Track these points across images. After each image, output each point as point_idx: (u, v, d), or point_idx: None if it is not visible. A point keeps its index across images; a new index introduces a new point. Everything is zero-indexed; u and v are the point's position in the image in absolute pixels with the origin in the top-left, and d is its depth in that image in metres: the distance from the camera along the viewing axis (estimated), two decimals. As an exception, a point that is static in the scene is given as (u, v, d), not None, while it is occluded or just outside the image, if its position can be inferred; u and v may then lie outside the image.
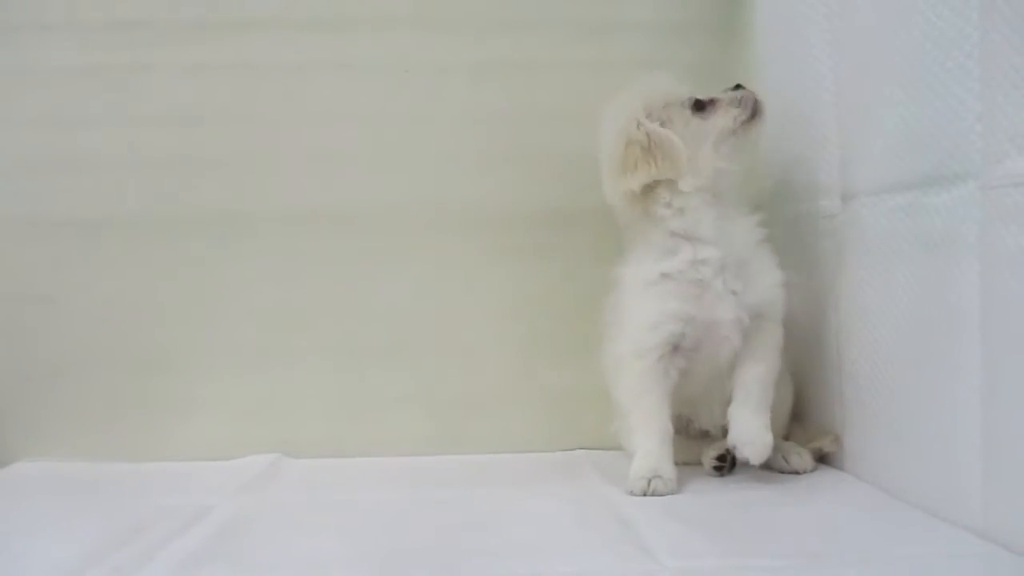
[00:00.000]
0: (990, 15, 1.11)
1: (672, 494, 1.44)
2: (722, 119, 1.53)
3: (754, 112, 1.54)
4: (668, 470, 1.46)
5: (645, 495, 1.43)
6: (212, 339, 1.84)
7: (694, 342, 1.50)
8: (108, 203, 1.83)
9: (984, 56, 1.14)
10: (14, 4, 1.84)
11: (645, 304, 1.50)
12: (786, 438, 1.63)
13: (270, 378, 1.84)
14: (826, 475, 1.57)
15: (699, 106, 1.54)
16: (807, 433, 1.65)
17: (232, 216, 1.84)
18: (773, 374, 1.52)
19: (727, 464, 1.57)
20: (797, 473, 1.56)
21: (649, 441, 1.48)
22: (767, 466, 1.55)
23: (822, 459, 1.62)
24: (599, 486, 1.54)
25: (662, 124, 1.51)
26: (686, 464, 1.59)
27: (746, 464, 1.51)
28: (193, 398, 1.84)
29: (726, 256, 1.49)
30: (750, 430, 1.47)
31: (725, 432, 1.51)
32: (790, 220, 1.73)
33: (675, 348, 1.50)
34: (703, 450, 1.60)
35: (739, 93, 1.55)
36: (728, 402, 1.53)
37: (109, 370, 1.83)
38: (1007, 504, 1.14)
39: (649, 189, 1.51)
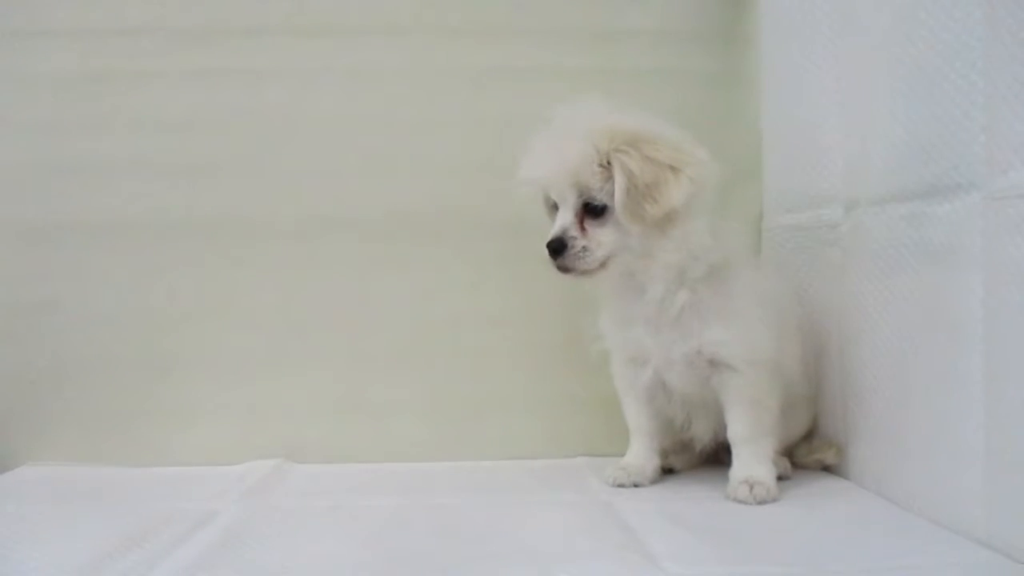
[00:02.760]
0: (994, 27, 1.12)
1: (637, 486, 1.56)
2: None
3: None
4: (636, 464, 1.59)
5: (610, 485, 1.57)
6: (215, 344, 1.84)
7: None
8: (112, 208, 1.83)
9: (988, 68, 1.14)
10: (18, 10, 1.84)
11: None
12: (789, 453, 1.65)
13: (273, 383, 1.84)
14: (829, 483, 1.57)
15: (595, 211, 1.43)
16: (810, 445, 1.66)
17: (236, 222, 1.84)
18: (757, 426, 1.48)
19: None
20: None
21: (632, 436, 1.62)
22: None
23: (825, 468, 1.63)
24: (601, 493, 1.54)
25: None
26: (684, 470, 1.68)
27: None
28: (196, 403, 1.84)
29: (669, 306, 1.46)
30: (739, 494, 1.45)
31: (716, 446, 1.62)
32: (793, 229, 1.73)
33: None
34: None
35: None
36: (709, 423, 1.59)
37: (112, 375, 1.83)
38: (1009, 513, 1.14)
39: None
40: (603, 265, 1.42)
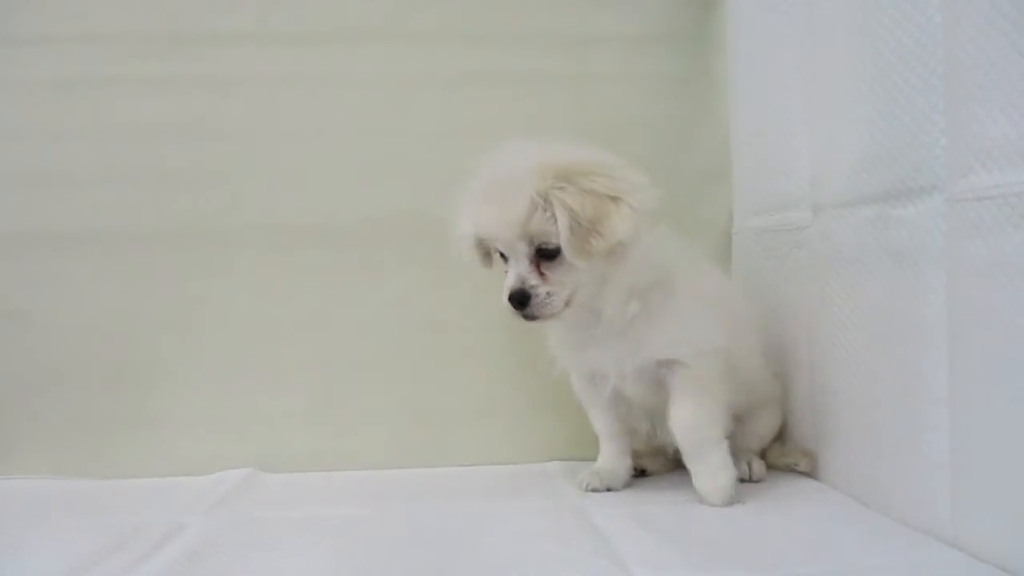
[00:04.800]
0: (954, 32, 1.13)
1: (610, 490, 1.58)
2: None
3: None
4: (608, 467, 1.61)
5: (583, 490, 1.58)
6: (187, 354, 1.83)
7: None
8: (83, 218, 1.82)
9: (949, 72, 1.16)
10: (-17, 20, 1.82)
11: None
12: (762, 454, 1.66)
13: (245, 392, 1.83)
14: (799, 485, 1.58)
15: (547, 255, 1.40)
16: (783, 448, 1.67)
17: (208, 231, 1.83)
18: (705, 411, 1.47)
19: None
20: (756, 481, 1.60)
21: (601, 442, 1.64)
22: None
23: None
24: (573, 498, 1.54)
25: None
26: (657, 473, 1.70)
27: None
28: (168, 413, 1.82)
29: (620, 323, 1.45)
30: (702, 484, 1.47)
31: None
32: (762, 231, 1.75)
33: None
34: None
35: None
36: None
37: (83, 386, 1.81)
38: (975, 512, 1.15)
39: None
40: (567, 305, 1.40)
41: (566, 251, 1.34)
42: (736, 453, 1.52)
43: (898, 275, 1.28)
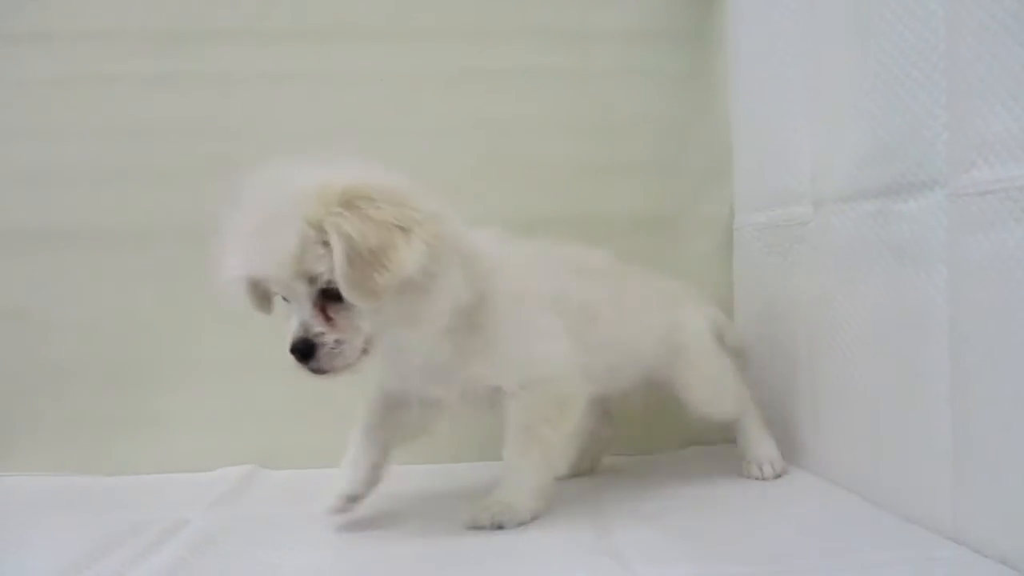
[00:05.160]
0: (956, 26, 1.13)
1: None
2: None
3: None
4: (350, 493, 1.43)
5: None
6: (186, 351, 1.83)
7: None
8: (79, 215, 1.82)
9: (950, 67, 1.15)
10: (-21, 17, 1.82)
11: None
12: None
13: (246, 389, 1.82)
14: (799, 479, 1.58)
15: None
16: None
17: (205, 228, 1.82)
18: (527, 463, 1.36)
19: None
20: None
21: (348, 461, 1.46)
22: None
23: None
24: (574, 492, 1.53)
25: None
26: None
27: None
28: (169, 410, 1.82)
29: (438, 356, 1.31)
30: (480, 520, 1.34)
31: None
32: (763, 227, 1.74)
33: None
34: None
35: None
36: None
37: (84, 383, 1.81)
38: (977, 508, 1.15)
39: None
40: (365, 351, 1.22)
41: (343, 288, 1.14)
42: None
43: (899, 270, 1.28)
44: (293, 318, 1.20)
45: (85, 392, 1.81)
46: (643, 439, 1.84)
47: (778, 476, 1.59)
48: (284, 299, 1.22)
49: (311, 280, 1.16)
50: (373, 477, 1.41)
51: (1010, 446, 1.08)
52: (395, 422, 1.45)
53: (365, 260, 1.13)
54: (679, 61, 1.93)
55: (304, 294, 1.18)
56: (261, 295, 1.26)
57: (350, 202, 1.15)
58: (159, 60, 1.83)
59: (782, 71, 1.63)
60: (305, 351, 1.18)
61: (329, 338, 1.19)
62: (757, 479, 1.59)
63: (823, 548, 1.20)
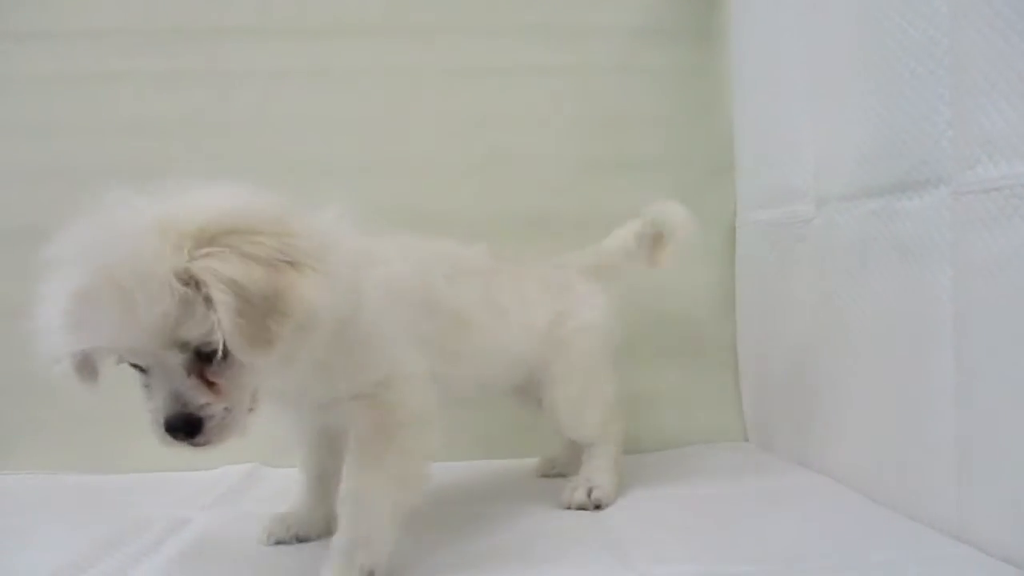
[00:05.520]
0: (960, 23, 1.13)
1: (300, 540, 1.30)
2: None
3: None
4: (297, 513, 1.35)
5: (265, 543, 1.30)
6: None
7: None
8: (81, 213, 1.81)
9: (954, 63, 1.15)
10: (-19, 14, 1.82)
11: None
12: None
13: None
14: (804, 478, 1.57)
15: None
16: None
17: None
18: (381, 465, 1.14)
19: None
20: None
21: (300, 481, 1.39)
22: None
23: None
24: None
25: None
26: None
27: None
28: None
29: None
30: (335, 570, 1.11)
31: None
32: (766, 225, 1.74)
33: None
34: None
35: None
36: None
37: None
38: (981, 506, 1.15)
39: None
40: (251, 409, 1.03)
41: (235, 346, 0.92)
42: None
43: (903, 268, 1.28)
44: (156, 391, 0.97)
45: (85, 391, 1.80)
46: (647, 437, 1.84)
47: (595, 506, 1.42)
48: (136, 367, 0.99)
49: (183, 346, 0.94)
50: (320, 510, 1.31)
51: (1015, 444, 1.08)
52: (319, 449, 1.34)
53: (259, 310, 0.91)
54: (681, 58, 1.93)
55: (175, 363, 0.95)
56: (91, 368, 1.02)
57: (214, 239, 0.93)
58: (161, 58, 1.83)
59: (785, 68, 1.62)
60: (189, 428, 0.97)
61: (216, 408, 0.97)
62: (566, 506, 1.44)
63: (827, 547, 1.20)
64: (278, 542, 1.29)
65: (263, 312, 0.92)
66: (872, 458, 1.40)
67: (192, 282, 0.91)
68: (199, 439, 0.98)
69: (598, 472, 1.49)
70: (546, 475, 1.67)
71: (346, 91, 1.87)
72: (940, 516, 1.22)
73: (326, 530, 1.26)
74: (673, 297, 1.90)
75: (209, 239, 0.93)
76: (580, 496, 1.44)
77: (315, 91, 1.86)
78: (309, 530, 1.31)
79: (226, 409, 0.98)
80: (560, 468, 1.67)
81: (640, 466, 1.68)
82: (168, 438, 0.98)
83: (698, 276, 1.91)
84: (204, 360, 0.96)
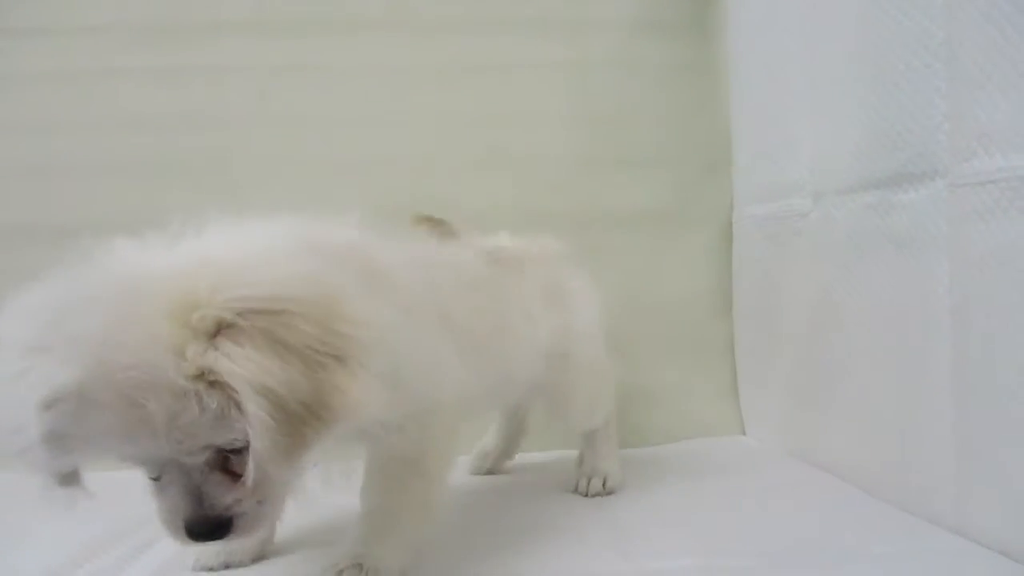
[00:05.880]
0: (955, 15, 1.12)
1: (229, 567, 1.17)
2: None
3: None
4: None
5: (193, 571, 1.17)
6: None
7: None
8: (79, 209, 1.81)
9: (950, 56, 1.15)
10: (-23, 10, 1.82)
11: None
12: None
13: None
14: (802, 472, 1.57)
15: None
16: None
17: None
18: (407, 493, 1.08)
19: None
20: None
21: None
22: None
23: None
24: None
25: None
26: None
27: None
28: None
29: None
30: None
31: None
32: (763, 219, 1.74)
33: None
34: None
35: None
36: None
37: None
38: (979, 500, 1.15)
39: None
40: (288, 494, 0.91)
41: (267, 463, 0.77)
42: None
43: (900, 261, 1.28)
44: (170, 492, 0.84)
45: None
46: (645, 431, 1.84)
47: (608, 494, 1.46)
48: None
49: (201, 450, 0.80)
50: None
51: (1012, 437, 1.07)
52: None
53: (295, 418, 0.76)
54: (679, 53, 1.93)
55: (196, 464, 0.82)
56: (76, 476, 0.89)
57: (240, 318, 0.76)
58: (158, 54, 1.84)
59: (782, 63, 1.62)
60: (217, 532, 0.84)
61: (248, 504, 0.84)
62: (582, 495, 1.47)
63: (825, 541, 1.20)
64: (207, 570, 1.16)
65: (301, 420, 0.77)
66: (870, 452, 1.40)
67: (211, 384, 0.75)
68: (233, 536, 0.85)
69: (606, 460, 1.52)
70: (477, 472, 1.65)
71: (344, 87, 1.87)
72: (938, 510, 1.22)
73: (261, 554, 1.19)
74: (671, 291, 1.90)
75: (233, 319, 0.76)
76: (597, 485, 1.47)
77: (313, 87, 1.86)
78: (242, 556, 1.18)
79: (259, 503, 0.85)
80: (491, 465, 1.67)
81: (639, 460, 1.68)
82: (190, 541, 0.85)
83: (696, 270, 1.91)
84: (227, 451, 0.82)
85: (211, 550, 1.16)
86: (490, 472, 1.66)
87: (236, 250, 0.83)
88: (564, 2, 1.91)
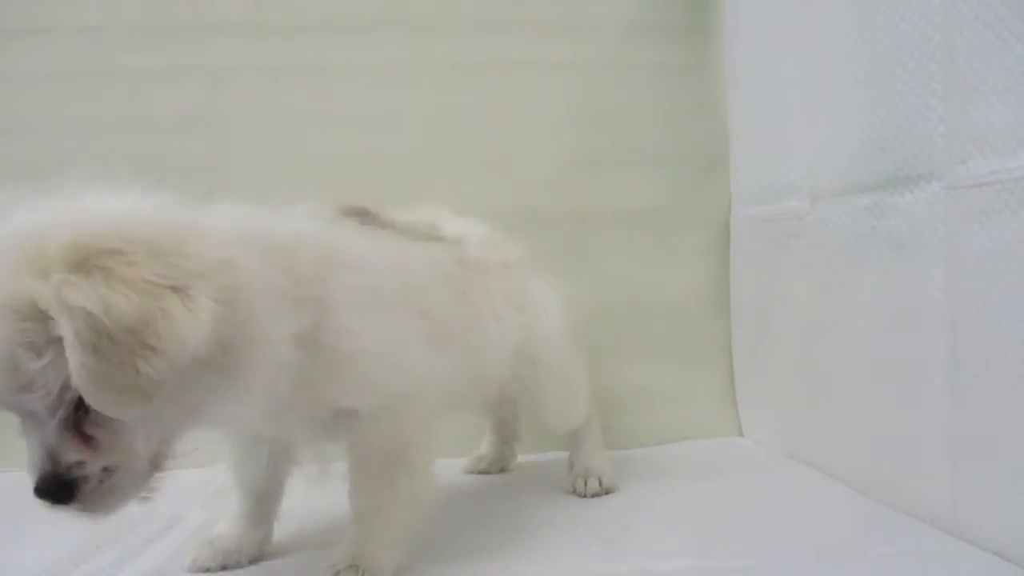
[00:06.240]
0: (952, 18, 1.13)
1: (226, 568, 1.17)
2: None
3: None
4: (228, 536, 1.21)
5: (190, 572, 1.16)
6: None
7: None
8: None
9: (946, 58, 1.15)
10: (-25, 10, 1.82)
11: None
12: None
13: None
14: (798, 473, 1.57)
15: None
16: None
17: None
18: (394, 486, 1.08)
19: None
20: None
21: (235, 500, 1.27)
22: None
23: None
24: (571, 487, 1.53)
25: None
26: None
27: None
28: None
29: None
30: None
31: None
32: (760, 220, 1.74)
33: None
34: None
35: None
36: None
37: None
38: (975, 501, 1.15)
39: None
40: (156, 467, 0.88)
41: (87, 396, 0.77)
42: None
43: (897, 263, 1.28)
44: (31, 445, 0.83)
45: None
46: (642, 432, 1.84)
47: (606, 492, 1.47)
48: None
49: (48, 391, 0.78)
50: (254, 535, 1.21)
51: (1008, 439, 1.08)
52: (260, 464, 1.21)
53: (118, 345, 0.75)
54: (676, 54, 1.93)
55: (43, 410, 0.80)
56: None
57: (85, 261, 0.77)
58: (156, 54, 1.83)
59: (779, 64, 1.62)
60: (59, 492, 0.82)
61: (93, 467, 0.82)
62: (580, 495, 1.47)
63: (821, 542, 1.20)
64: (204, 571, 1.15)
65: (126, 350, 0.75)
66: (867, 453, 1.40)
67: (43, 315, 0.75)
68: (76, 506, 0.82)
69: (596, 459, 1.52)
70: (472, 472, 1.68)
71: (342, 87, 1.87)
72: (934, 511, 1.22)
73: (258, 555, 1.20)
74: (668, 292, 1.91)
75: (76, 262, 0.77)
76: (594, 485, 1.47)
77: (310, 87, 1.86)
78: (239, 557, 1.18)
79: (106, 469, 0.82)
80: (486, 466, 1.69)
81: (635, 461, 1.69)
82: (40, 502, 0.82)
83: (693, 272, 1.92)
84: (83, 408, 0.80)
85: (210, 550, 1.17)
86: (485, 471, 1.69)
87: (104, 202, 0.87)
88: (562, 3, 1.91)
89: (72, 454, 0.81)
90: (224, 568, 1.16)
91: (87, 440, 0.81)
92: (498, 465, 1.69)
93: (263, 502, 1.21)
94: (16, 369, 0.77)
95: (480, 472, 1.68)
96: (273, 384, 0.93)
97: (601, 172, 1.90)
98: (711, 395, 1.92)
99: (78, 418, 0.81)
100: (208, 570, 1.15)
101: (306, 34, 1.86)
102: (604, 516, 1.34)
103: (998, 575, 1.06)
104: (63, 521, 0.97)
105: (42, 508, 0.85)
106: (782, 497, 1.43)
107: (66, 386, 0.78)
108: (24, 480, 0.79)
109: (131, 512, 1.38)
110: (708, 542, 1.21)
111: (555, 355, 1.44)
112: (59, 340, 0.75)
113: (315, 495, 1.15)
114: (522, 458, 1.77)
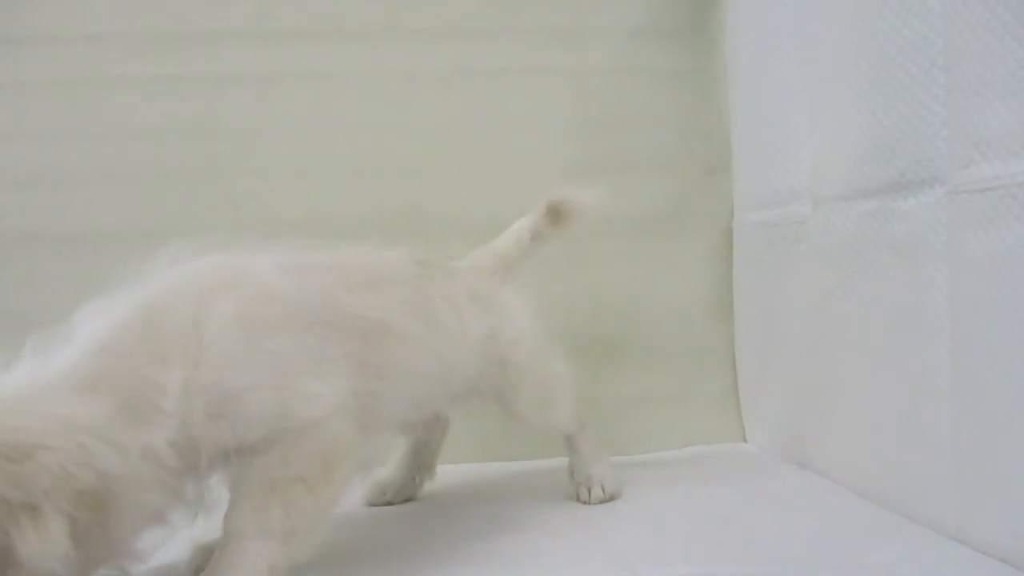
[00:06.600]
0: (954, 22, 1.13)
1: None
2: None
3: None
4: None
5: None
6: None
7: None
8: (80, 218, 1.81)
9: (949, 63, 1.15)
10: (-20, 19, 1.82)
11: None
12: None
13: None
14: (802, 479, 1.57)
15: None
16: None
17: (204, 230, 1.81)
18: (265, 517, 0.98)
19: None
20: None
21: None
22: None
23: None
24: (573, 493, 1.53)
25: None
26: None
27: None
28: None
29: None
30: None
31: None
32: (763, 226, 1.74)
33: None
34: None
35: None
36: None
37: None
38: (978, 507, 1.15)
39: None
40: None
41: None
42: None
43: (899, 268, 1.28)
44: None
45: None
46: (644, 438, 1.84)
47: (609, 499, 1.46)
48: None
49: None
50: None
51: (1012, 444, 1.07)
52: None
53: None
54: (678, 58, 1.93)
55: None
56: None
57: None
58: (158, 62, 1.83)
59: (781, 68, 1.62)
60: None
61: None
62: (583, 503, 1.46)
63: (824, 548, 1.20)
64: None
65: None
66: (870, 459, 1.40)
67: None
68: None
69: (595, 465, 1.50)
70: (374, 504, 1.51)
71: (343, 94, 1.86)
72: (938, 517, 1.21)
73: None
74: (671, 298, 1.90)
75: None
76: (598, 493, 1.46)
77: (313, 94, 1.86)
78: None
79: None
80: (392, 495, 1.52)
81: (638, 467, 1.68)
82: None
83: (696, 276, 1.91)
84: None
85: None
86: (388, 503, 1.51)
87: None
88: (564, 8, 1.91)
89: None
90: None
91: None
92: (404, 494, 1.52)
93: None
94: None
95: (384, 504, 1.51)
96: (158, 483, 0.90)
97: (603, 177, 1.87)
98: (714, 401, 1.92)
99: None
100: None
101: (309, 42, 1.86)
102: (606, 522, 1.34)
103: (1002, 581, 1.06)
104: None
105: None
106: (786, 503, 1.42)
107: None
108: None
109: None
110: (712, 548, 1.21)
111: (526, 356, 1.40)
112: None
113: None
114: (522, 464, 1.77)
